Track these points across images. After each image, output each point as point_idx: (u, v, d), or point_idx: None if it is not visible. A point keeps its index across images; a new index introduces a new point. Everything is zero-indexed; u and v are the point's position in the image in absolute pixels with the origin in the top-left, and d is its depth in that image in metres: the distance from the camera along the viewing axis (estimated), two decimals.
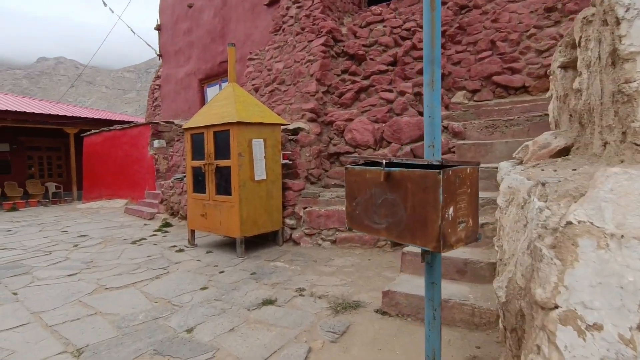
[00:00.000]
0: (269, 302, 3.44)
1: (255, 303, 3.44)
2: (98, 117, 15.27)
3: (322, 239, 5.47)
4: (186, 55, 11.57)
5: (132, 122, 10.96)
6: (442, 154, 5.00)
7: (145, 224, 7.94)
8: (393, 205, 1.53)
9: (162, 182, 8.46)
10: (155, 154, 10.25)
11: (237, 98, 5.25)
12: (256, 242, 5.69)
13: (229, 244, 5.71)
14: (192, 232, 5.87)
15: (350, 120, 6.23)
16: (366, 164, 1.76)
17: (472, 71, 5.93)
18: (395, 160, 1.60)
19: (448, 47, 6.13)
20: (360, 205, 1.71)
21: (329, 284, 3.86)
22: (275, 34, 7.87)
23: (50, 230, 7.54)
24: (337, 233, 5.37)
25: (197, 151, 5.65)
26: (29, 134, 15.13)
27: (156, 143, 10.31)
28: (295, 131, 6.10)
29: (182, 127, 5.83)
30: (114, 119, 15.33)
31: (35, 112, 13.40)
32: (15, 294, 3.88)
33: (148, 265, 4.85)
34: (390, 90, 6.13)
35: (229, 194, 5.11)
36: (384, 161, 1.58)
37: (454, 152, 4.92)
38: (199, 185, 5.67)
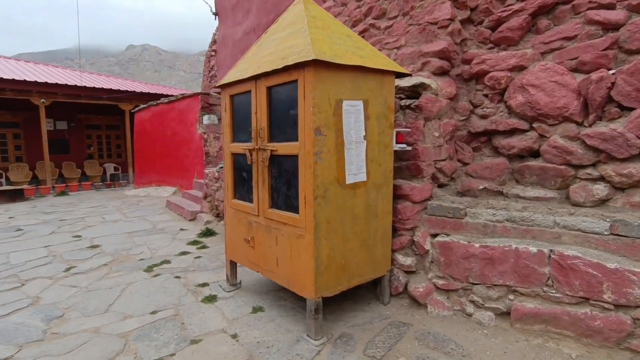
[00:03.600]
0: None
1: None
2: (153, 91, 13.78)
3: (474, 303, 2.73)
4: (245, 8, 9.18)
5: (182, 94, 9.00)
6: None
7: (181, 229, 5.81)
8: None
9: (207, 171, 6.26)
10: (204, 133, 8.14)
11: (312, 21, 2.60)
12: (341, 298, 3.11)
13: (293, 296, 3.21)
14: (233, 265, 3.48)
15: (521, 68, 3.29)
16: None
17: None
18: None
19: None
20: None
21: None
22: None
23: (63, 234, 5.72)
24: (512, 298, 2.58)
25: (240, 126, 3.18)
26: (87, 111, 14.17)
27: (206, 119, 8.19)
28: (414, 91, 3.32)
29: (217, 84, 3.38)
30: (169, 93, 13.73)
31: (87, 85, 12.15)
32: None
33: (144, 340, 2.53)
34: (610, 5, 3.04)
35: (294, 209, 2.56)
36: None
37: None
38: (242, 186, 3.22)
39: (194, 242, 5.00)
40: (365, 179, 2.70)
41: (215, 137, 8.24)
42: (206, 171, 6.26)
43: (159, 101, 9.94)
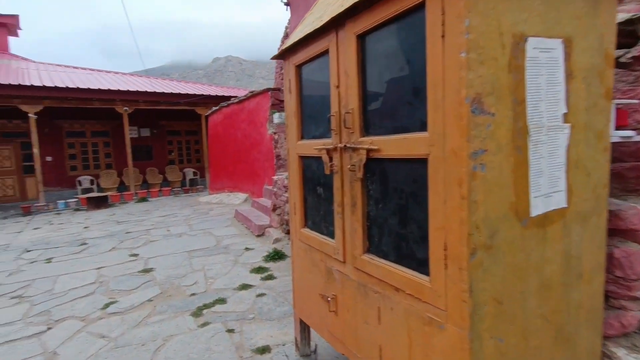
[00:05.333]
0: None
1: None
2: (228, 94, 13.49)
3: None
4: None
5: (252, 91, 8.26)
6: None
7: (246, 248, 4.86)
8: None
9: (275, 177, 5.25)
10: (275, 133, 7.23)
11: None
12: None
13: None
14: (304, 326, 2.29)
15: None
16: None
17: None
18: None
19: None
20: None
21: None
22: None
23: (122, 251, 5.15)
24: None
25: (312, 112, 2.00)
26: (168, 117, 14.45)
27: (276, 117, 7.27)
28: (630, 33, 1.81)
29: (277, 52, 2.23)
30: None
31: (166, 92, 12.21)
32: None
33: None
34: None
35: (419, 265, 1.29)
36: None
37: None
38: (316, 209, 2.02)
39: (258, 270, 3.97)
40: (565, 205, 1.30)
41: (286, 138, 7.28)
42: (274, 178, 5.25)
43: (229, 102, 9.35)
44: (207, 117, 11.63)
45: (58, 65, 14.66)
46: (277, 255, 4.34)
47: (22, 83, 10.08)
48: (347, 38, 1.52)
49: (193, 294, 3.43)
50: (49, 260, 4.82)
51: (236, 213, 6.83)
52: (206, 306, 3.14)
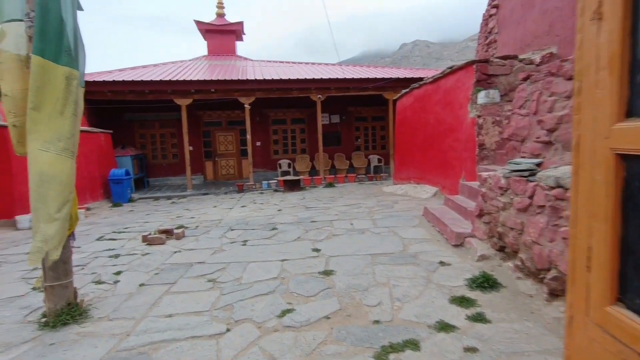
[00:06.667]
0: None
1: None
2: (417, 76, 12.41)
3: None
4: None
5: (451, 66, 6.96)
6: None
7: (441, 262, 3.84)
8: None
9: (487, 174, 3.98)
10: (478, 116, 5.82)
11: None
12: None
13: None
14: None
15: None
16: None
17: None
18: None
19: None
20: None
21: None
22: None
23: (306, 243, 4.95)
24: None
25: None
26: (355, 103, 14.52)
27: (482, 96, 5.82)
28: None
29: None
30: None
31: (355, 77, 12.13)
32: None
33: None
34: None
35: None
36: None
37: None
38: None
39: (461, 301, 2.93)
40: None
41: (494, 122, 5.77)
42: (485, 174, 3.99)
43: (421, 82, 8.30)
44: (394, 101, 10.92)
45: (268, 61, 16.73)
46: (486, 282, 3.18)
47: (240, 78, 11.70)
48: None
49: (376, 322, 2.70)
50: (244, 243, 5.04)
51: (425, 211, 5.85)
52: (393, 348, 2.34)
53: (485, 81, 5.94)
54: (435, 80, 7.49)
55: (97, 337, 2.69)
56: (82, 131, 10.51)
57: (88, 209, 8.76)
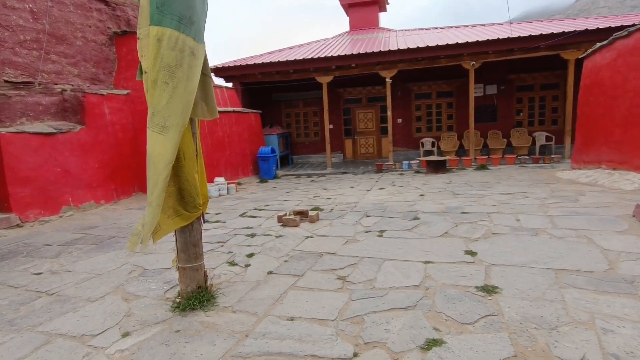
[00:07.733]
0: None
1: None
2: (617, 24, 9.32)
3: None
4: None
5: None
6: None
7: None
8: None
9: None
10: None
11: None
12: None
13: None
14: None
15: None
16: None
17: None
18: None
19: None
20: None
21: None
22: None
23: (456, 241, 3.98)
24: None
25: None
26: (519, 69, 11.99)
27: None
28: None
29: None
30: None
31: (522, 35, 9.88)
32: None
33: None
34: None
35: None
36: None
37: None
38: None
39: None
40: None
41: None
42: None
43: (631, 29, 5.99)
44: (582, 60, 8.42)
45: (413, 29, 15.32)
46: None
47: (382, 49, 10.87)
48: None
49: None
50: (380, 234, 4.41)
51: (637, 210, 4.12)
52: None
53: None
54: None
55: (218, 333, 2.47)
56: (236, 111, 11.36)
57: (239, 183, 9.52)
